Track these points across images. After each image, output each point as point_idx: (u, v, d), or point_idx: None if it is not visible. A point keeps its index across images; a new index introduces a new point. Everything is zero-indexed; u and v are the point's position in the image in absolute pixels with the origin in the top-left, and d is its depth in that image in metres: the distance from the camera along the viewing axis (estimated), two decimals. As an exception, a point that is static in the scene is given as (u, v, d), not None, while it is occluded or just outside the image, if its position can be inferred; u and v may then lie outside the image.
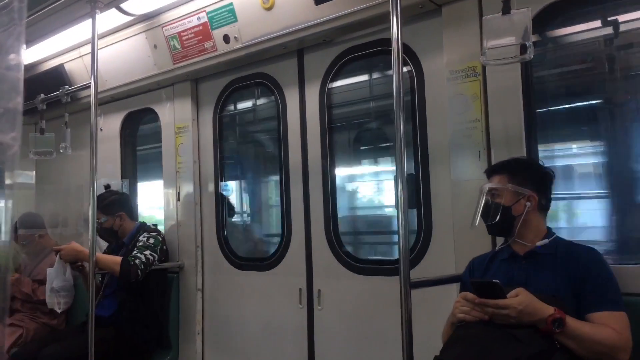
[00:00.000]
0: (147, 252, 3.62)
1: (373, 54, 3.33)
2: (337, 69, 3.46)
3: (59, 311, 3.77)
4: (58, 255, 3.58)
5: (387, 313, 3.08)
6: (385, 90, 3.59)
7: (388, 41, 2.22)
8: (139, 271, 3.49)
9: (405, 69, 3.04)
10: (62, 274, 3.61)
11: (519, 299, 1.96)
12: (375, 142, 4.03)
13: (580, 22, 2.76)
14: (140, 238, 3.76)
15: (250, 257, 4.12)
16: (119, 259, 3.51)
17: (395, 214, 2.48)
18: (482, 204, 2.35)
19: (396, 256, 2.97)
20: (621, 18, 2.57)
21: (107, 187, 4.08)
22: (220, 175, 4.13)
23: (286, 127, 3.68)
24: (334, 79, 3.48)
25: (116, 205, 3.92)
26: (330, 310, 3.42)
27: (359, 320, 3.29)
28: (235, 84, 4.02)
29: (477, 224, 2.36)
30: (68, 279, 3.67)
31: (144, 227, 3.93)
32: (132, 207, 4.14)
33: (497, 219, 2.29)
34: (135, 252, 3.61)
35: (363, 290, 3.28)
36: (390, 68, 2.18)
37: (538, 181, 2.33)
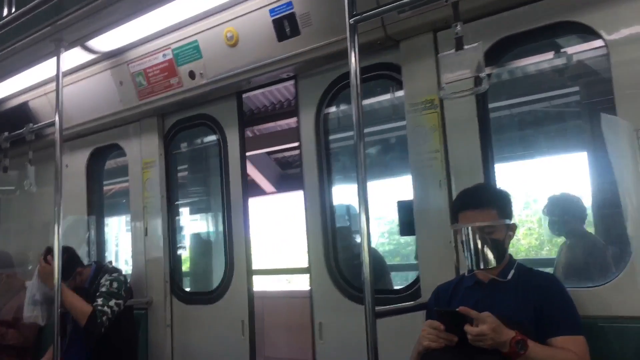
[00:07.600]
0: (113, 302, 3.44)
1: (340, 89, 3.36)
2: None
3: (42, 324, 3.64)
4: (37, 269, 3.47)
5: (353, 342, 3.08)
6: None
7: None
8: (103, 328, 3.37)
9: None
10: (44, 286, 3.47)
11: (489, 322, 1.98)
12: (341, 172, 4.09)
13: (531, 55, 2.89)
14: (103, 282, 3.54)
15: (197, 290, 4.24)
16: (88, 310, 3.33)
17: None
18: (481, 245, 2.24)
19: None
20: (570, 50, 2.70)
21: (49, 251, 3.45)
22: (168, 211, 4.15)
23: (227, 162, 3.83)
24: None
25: (70, 265, 3.55)
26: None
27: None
28: (182, 124, 4.15)
29: (482, 266, 2.26)
30: (49, 291, 3.43)
31: (102, 268, 3.72)
32: (78, 255, 3.84)
33: (501, 259, 2.27)
34: (100, 300, 3.42)
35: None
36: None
37: (511, 209, 2.37)
